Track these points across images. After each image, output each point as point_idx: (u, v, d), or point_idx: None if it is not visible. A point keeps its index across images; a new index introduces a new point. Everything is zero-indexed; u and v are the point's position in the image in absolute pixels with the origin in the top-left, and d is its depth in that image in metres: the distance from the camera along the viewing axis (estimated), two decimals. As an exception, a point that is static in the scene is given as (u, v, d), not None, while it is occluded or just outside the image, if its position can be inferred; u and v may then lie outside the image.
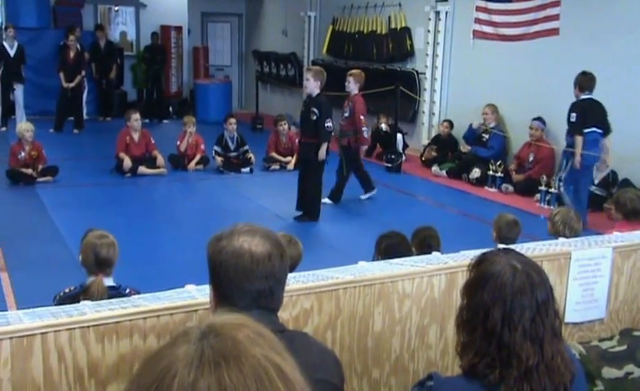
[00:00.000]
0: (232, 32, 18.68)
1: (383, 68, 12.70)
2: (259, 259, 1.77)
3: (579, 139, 7.55)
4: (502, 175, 9.46)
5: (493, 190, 9.41)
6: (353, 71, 8.97)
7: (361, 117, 8.40)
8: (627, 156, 8.13)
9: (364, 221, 7.77)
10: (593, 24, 8.76)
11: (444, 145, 10.85)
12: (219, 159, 10.20)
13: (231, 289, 1.77)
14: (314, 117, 7.51)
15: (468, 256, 2.57)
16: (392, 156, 10.74)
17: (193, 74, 17.02)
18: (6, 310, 3.17)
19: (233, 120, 10.52)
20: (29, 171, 8.90)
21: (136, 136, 9.95)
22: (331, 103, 8.11)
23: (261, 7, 17.43)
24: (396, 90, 10.95)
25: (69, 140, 12.47)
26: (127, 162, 9.62)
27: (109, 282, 3.46)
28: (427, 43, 11.63)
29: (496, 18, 10.32)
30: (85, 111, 13.82)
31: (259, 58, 17.17)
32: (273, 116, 12.29)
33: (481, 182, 9.67)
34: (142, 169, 9.74)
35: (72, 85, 13.02)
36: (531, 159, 9.36)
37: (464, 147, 10.49)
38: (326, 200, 8.20)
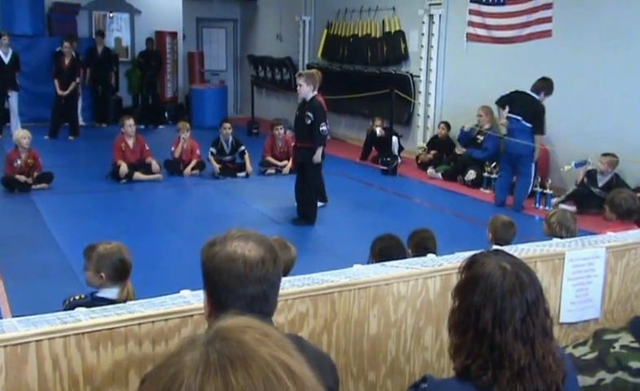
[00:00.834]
0: (227, 37, 18.70)
1: (378, 71, 12.72)
2: (252, 264, 1.77)
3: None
4: (497, 176, 9.46)
5: (489, 191, 9.42)
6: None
7: None
8: (626, 158, 8.16)
9: (359, 224, 7.77)
10: (586, 26, 8.80)
11: (441, 147, 10.87)
12: (215, 163, 10.19)
13: (225, 294, 1.77)
14: (309, 121, 7.52)
15: (463, 257, 2.57)
16: (388, 159, 10.76)
17: (188, 79, 17.02)
18: (1, 318, 3.16)
19: (228, 125, 10.54)
20: (23, 178, 8.88)
21: (131, 142, 9.94)
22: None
23: (256, 12, 17.45)
24: (391, 93, 10.97)
25: (64, 147, 12.45)
26: (123, 168, 9.61)
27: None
28: (422, 46, 11.66)
29: (489, 21, 10.36)
30: (80, 117, 13.81)
31: (254, 62, 17.19)
32: (269, 120, 12.30)
33: (476, 183, 9.68)
34: (138, 175, 9.74)
35: (66, 92, 13.02)
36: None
37: (459, 149, 10.50)
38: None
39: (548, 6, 9.34)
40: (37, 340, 2.01)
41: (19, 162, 9.00)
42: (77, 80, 13.33)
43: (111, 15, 16.23)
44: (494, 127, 10.12)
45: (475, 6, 10.59)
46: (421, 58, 11.68)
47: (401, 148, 11.39)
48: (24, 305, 4.40)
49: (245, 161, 10.37)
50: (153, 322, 2.16)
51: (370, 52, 12.97)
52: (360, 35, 13.24)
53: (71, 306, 3.28)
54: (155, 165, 9.94)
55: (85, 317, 2.11)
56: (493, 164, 9.51)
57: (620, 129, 8.34)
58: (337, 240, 7.17)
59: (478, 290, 1.77)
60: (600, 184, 8.25)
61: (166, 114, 15.76)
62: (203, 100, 15.50)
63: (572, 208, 7.70)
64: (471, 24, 10.70)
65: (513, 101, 8.60)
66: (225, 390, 0.91)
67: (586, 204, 8.11)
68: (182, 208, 8.87)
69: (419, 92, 11.83)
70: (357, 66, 13.38)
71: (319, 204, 8.09)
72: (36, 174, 9.06)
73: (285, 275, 2.43)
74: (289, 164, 10.24)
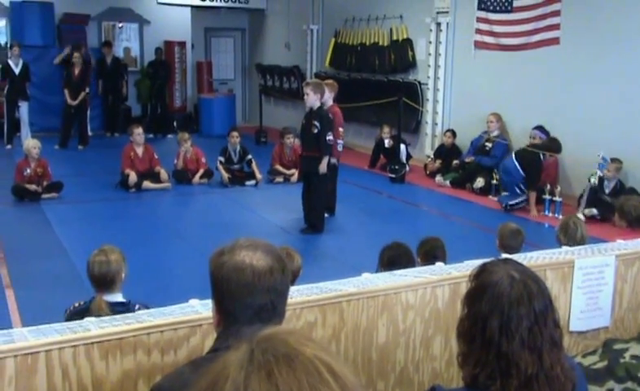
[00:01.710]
0: (235, 46, 18.77)
1: (386, 79, 12.73)
2: (260, 273, 1.77)
3: None
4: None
5: (497, 199, 9.39)
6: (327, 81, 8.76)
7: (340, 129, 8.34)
8: (631, 164, 8.12)
9: (368, 232, 7.77)
10: (594, 33, 8.78)
11: (447, 155, 10.86)
12: (224, 172, 10.21)
13: (233, 304, 1.77)
14: (315, 130, 7.51)
15: (472, 266, 2.57)
16: (396, 167, 10.75)
17: (197, 88, 17.09)
18: (11, 327, 3.18)
19: (235, 134, 10.57)
20: (34, 188, 8.93)
21: (140, 151, 9.99)
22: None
23: (264, 21, 17.51)
24: (399, 101, 10.97)
25: (74, 156, 12.52)
26: (132, 177, 9.65)
27: (117, 298, 3.45)
28: (429, 54, 11.66)
29: (497, 28, 10.35)
30: (89, 127, 13.88)
31: (262, 71, 17.24)
32: (277, 128, 12.33)
33: (485, 191, 9.66)
34: (147, 184, 9.77)
35: (76, 102, 13.10)
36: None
37: (467, 157, 10.48)
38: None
39: (556, 14, 9.33)
40: (46, 350, 2.01)
41: (28, 171, 9.05)
42: (87, 89, 13.41)
43: (120, 25, 16.34)
44: (502, 134, 10.11)
45: (482, 14, 10.59)
46: (429, 66, 11.69)
47: (409, 156, 11.39)
48: (33, 314, 4.42)
49: (253, 170, 10.39)
50: (162, 331, 2.16)
51: (377, 60, 12.99)
52: (367, 43, 13.26)
53: (70, 314, 3.30)
54: (163, 174, 9.97)
55: (94, 326, 2.12)
56: (502, 172, 9.49)
57: (627, 134, 8.31)
58: (345, 249, 7.17)
59: (485, 298, 1.76)
60: (607, 190, 8.21)
61: (175, 123, 15.81)
62: (212, 109, 15.55)
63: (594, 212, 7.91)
64: (478, 31, 10.70)
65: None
66: (269, 384, 0.94)
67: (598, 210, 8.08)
68: (191, 217, 8.90)
69: (427, 100, 11.82)
70: (364, 74, 13.40)
71: (326, 215, 8.08)
72: (45, 183, 9.11)
73: (291, 284, 2.43)
74: (297, 172, 10.25)
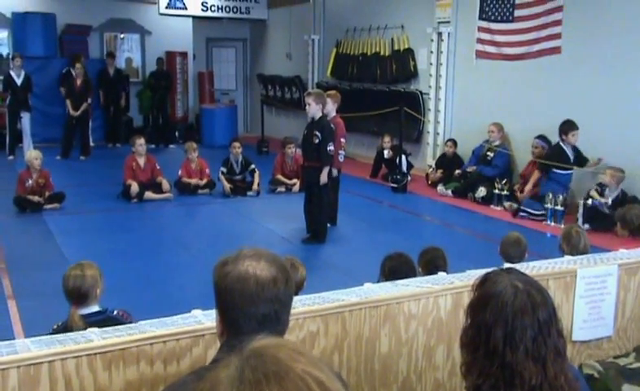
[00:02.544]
0: (237, 56, 18.82)
1: (387, 89, 12.76)
2: (264, 283, 1.77)
3: None
4: (508, 193, 9.45)
5: (499, 208, 9.39)
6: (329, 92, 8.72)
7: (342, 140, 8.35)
8: (633, 173, 8.12)
9: (370, 242, 7.76)
10: (595, 42, 8.79)
11: (449, 164, 10.86)
12: (226, 183, 10.22)
13: (237, 314, 1.77)
14: (317, 140, 7.52)
15: (474, 275, 2.57)
16: (398, 177, 10.76)
17: (198, 99, 17.13)
18: (14, 338, 3.18)
19: (237, 144, 10.59)
20: (36, 198, 8.94)
21: (142, 161, 10.01)
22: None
23: (265, 32, 17.57)
24: (401, 110, 10.98)
25: (76, 167, 12.55)
26: (134, 188, 9.66)
27: (93, 309, 3.47)
28: (431, 64, 11.69)
29: (498, 38, 10.37)
30: (91, 138, 13.91)
31: (264, 81, 17.28)
32: (279, 138, 12.34)
33: (487, 200, 9.65)
34: (149, 195, 9.78)
35: (77, 113, 13.13)
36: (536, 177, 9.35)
37: (470, 167, 10.47)
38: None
39: (557, 23, 9.35)
40: (49, 361, 2.01)
41: (30, 182, 9.06)
42: (89, 100, 13.44)
43: (122, 36, 16.40)
44: (504, 144, 10.12)
45: (484, 24, 10.61)
46: (430, 75, 11.71)
47: (410, 166, 11.39)
48: (36, 325, 4.41)
49: (254, 179, 10.40)
50: (165, 341, 2.16)
51: (379, 70, 13.02)
52: (369, 53, 13.30)
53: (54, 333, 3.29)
54: (165, 185, 9.98)
55: (97, 337, 2.12)
56: (504, 181, 9.48)
57: (629, 144, 8.31)
58: (347, 259, 7.16)
59: (489, 308, 1.76)
60: (609, 202, 8.18)
61: (176, 133, 15.87)
62: (213, 119, 15.58)
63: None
64: (479, 41, 10.72)
65: None
66: None
67: (596, 222, 8.03)
68: (193, 228, 8.90)
69: (429, 109, 11.84)
70: (366, 84, 13.43)
71: (327, 225, 8.07)
72: (47, 194, 9.12)
73: (295, 295, 2.43)
74: (298, 182, 10.28)
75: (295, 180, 10.51)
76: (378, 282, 3.47)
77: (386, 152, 11.56)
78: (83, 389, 2.06)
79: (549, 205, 8.60)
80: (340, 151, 8.24)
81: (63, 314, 3.54)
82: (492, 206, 9.52)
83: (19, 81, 12.78)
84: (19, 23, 14.63)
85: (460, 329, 1.89)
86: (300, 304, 2.45)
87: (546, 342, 1.74)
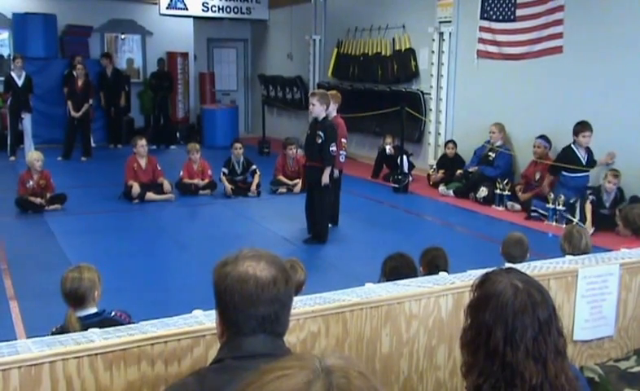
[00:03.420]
0: (238, 57, 18.83)
1: (389, 89, 12.76)
2: (264, 284, 1.77)
3: None
4: (510, 193, 9.44)
5: (501, 208, 9.39)
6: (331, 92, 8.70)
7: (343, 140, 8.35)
8: (633, 172, 8.11)
9: (371, 242, 7.76)
10: (597, 41, 8.79)
11: (450, 165, 10.86)
12: (227, 183, 10.23)
13: (236, 314, 1.77)
14: (319, 141, 7.52)
15: (475, 275, 2.57)
16: (399, 177, 10.75)
17: (200, 100, 17.14)
18: (16, 339, 3.18)
19: (239, 145, 10.60)
20: (38, 200, 8.94)
21: (143, 162, 10.01)
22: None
23: (266, 32, 17.57)
24: (402, 110, 10.98)
25: (77, 168, 12.56)
26: (136, 188, 9.67)
27: (90, 311, 3.48)
28: (432, 64, 11.68)
29: (500, 37, 10.37)
30: (92, 139, 13.92)
31: (265, 82, 17.29)
32: (280, 139, 12.35)
33: (488, 201, 9.65)
34: (150, 195, 9.79)
35: (79, 114, 13.14)
36: (537, 177, 9.35)
37: (472, 168, 10.47)
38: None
39: (559, 23, 9.35)
40: (50, 362, 2.01)
41: (31, 183, 9.07)
42: (90, 101, 13.45)
43: (122, 36, 16.42)
44: (506, 144, 10.11)
45: (485, 23, 10.61)
46: (431, 75, 11.71)
47: (411, 166, 11.39)
48: (38, 325, 4.42)
49: (254, 180, 10.40)
50: (166, 342, 2.16)
51: (380, 70, 13.02)
52: (370, 53, 13.30)
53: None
54: (166, 185, 9.99)
55: (98, 338, 2.12)
56: (505, 181, 9.48)
57: (630, 143, 8.31)
58: (348, 259, 7.16)
59: (489, 308, 1.76)
60: (607, 204, 8.15)
61: (178, 134, 15.88)
62: (215, 120, 15.59)
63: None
64: (481, 40, 10.72)
65: None
66: None
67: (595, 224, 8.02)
68: (194, 228, 8.90)
69: (430, 109, 11.84)
70: (367, 84, 13.43)
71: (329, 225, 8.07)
72: (49, 195, 9.12)
73: (294, 296, 2.43)
74: (300, 183, 10.28)
75: (297, 180, 10.52)
76: (379, 282, 3.47)
77: (387, 148, 11.55)
78: (84, 390, 2.06)
79: (550, 205, 8.60)
80: (341, 152, 8.24)
81: (64, 315, 3.55)
82: (493, 206, 9.52)
83: (20, 82, 12.79)
84: (19, 23, 14.64)
85: (461, 329, 1.89)
86: (301, 304, 2.45)
87: (547, 341, 1.74)
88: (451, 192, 10.28)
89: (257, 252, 1.85)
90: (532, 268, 2.99)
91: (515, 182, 9.80)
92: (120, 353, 2.10)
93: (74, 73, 13.50)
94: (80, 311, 3.43)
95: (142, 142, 10.10)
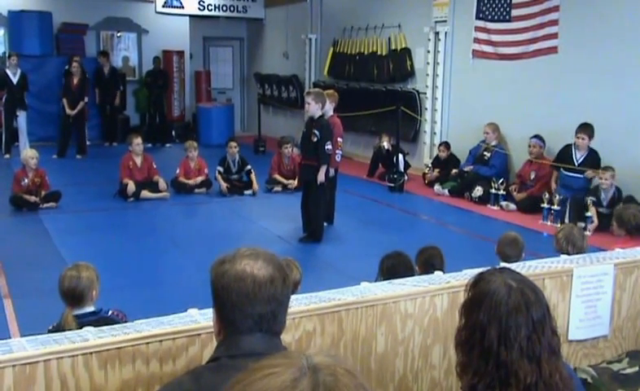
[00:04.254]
0: (234, 55, 18.81)
1: (384, 88, 12.76)
2: (261, 283, 1.77)
3: None
4: (505, 193, 9.46)
5: (496, 208, 9.41)
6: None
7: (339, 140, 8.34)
8: (629, 172, 8.13)
9: (366, 241, 7.77)
10: (592, 42, 8.81)
11: (445, 165, 10.87)
12: (222, 182, 10.22)
13: (234, 313, 1.77)
14: (315, 139, 7.53)
15: (471, 275, 2.57)
16: (395, 176, 10.76)
17: (195, 98, 17.11)
18: (10, 337, 3.17)
19: (234, 144, 10.59)
20: (32, 198, 8.92)
21: (138, 160, 10.00)
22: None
23: (262, 31, 17.56)
24: (397, 110, 10.99)
25: (72, 166, 12.53)
26: (131, 186, 9.65)
27: (89, 309, 3.48)
28: (428, 63, 11.69)
29: (495, 37, 10.38)
30: (87, 136, 13.89)
31: (261, 80, 17.27)
32: (276, 138, 12.34)
33: (484, 200, 9.66)
34: (145, 194, 9.77)
35: (74, 112, 13.11)
36: (532, 176, 9.37)
37: (467, 167, 10.48)
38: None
39: (554, 23, 9.36)
40: (45, 360, 2.00)
41: (26, 181, 9.04)
42: (85, 99, 13.42)
43: (118, 34, 16.38)
44: (501, 144, 10.12)
45: (481, 23, 10.63)
46: (427, 75, 11.71)
47: (407, 165, 11.39)
48: (32, 324, 4.41)
49: (252, 180, 10.40)
50: (161, 341, 2.16)
51: (376, 69, 13.02)
52: (366, 52, 13.30)
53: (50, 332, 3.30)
54: (162, 184, 9.97)
55: (92, 336, 2.11)
56: (500, 181, 9.49)
57: (625, 143, 8.33)
58: (344, 258, 7.16)
59: (483, 308, 1.77)
60: (605, 203, 8.17)
61: (173, 133, 15.85)
62: (210, 118, 15.57)
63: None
64: (476, 40, 10.73)
65: None
66: None
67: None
68: (189, 227, 8.89)
69: (425, 109, 11.85)
70: (363, 83, 13.43)
71: (324, 224, 8.07)
72: (43, 193, 9.10)
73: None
74: (295, 181, 10.27)
75: (292, 181, 10.49)
76: (376, 281, 3.47)
77: (386, 145, 11.53)
78: (79, 389, 2.06)
79: (545, 204, 8.62)
80: (338, 151, 8.24)
81: (59, 313, 3.54)
82: (488, 205, 9.53)
83: (15, 80, 12.75)
84: (15, 21, 14.60)
85: (455, 329, 1.89)
86: (297, 303, 2.45)
87: (541, 340, 1.74)
88: (446, 191, 10.29)
89: (255, 250, 1.84)
90: (527, 267, 2.99)
91: (510, 181, 9.81)
92: (115, 352, 2.10)
93: (70, 71, 13.45)
94: (77, 310, 3.42)
95: (138, 140, 10.08)
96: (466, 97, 11.03)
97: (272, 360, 1.12)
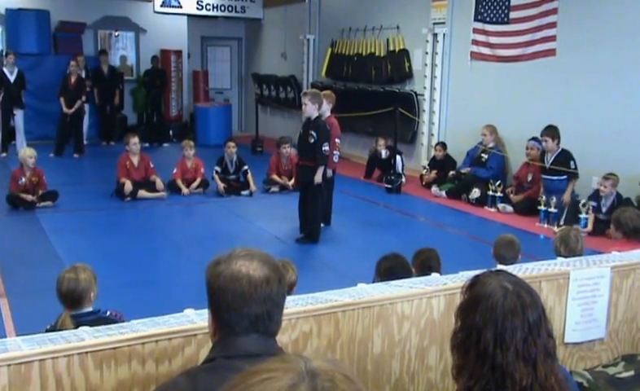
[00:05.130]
0: (232, 55, 18.81)
1: (382, 89, 12.76)
2: (257, 283, 1.77)
3: None
4: (502, 195, 9.47)
5: (493, 210, 9.41)
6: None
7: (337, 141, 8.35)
8: (626, 175, 8.14)
9: (363, 242, 7.77)
10: (590, 45, 8.82)
11: (442, 166, 10.87)
12: (220, 182, 10.21)
13: (229, 313, 1.77)
14: (312, 140, 7.53)
15: (467, 277, 2.57)
16: (392, 178, 10.76)
17: (193, 98, 17.10)
18: (5, 337, 3.16)
19: (232, 144, 10.58)
20: (29, 197, 8.90)
21: (135, 160, 9.98)
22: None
23: (261, 31, 17.55)
24: (395, 111, 10.99)
25: (69, 165, 12.51)
26: (128, 186, 9.64)
27: (87, 309, 3.48)
28: (426, 65, 11.70)
29: (493, 39, 10.39)
30: (85, 135, 13.87)
31: (258, 81, 17.27)
32: (274, 138, 12.34)
33: (481, 202, 9.67)
34: (142, 193, 9.76)
35: (71, 111, 13.09)
36: (529, 179, 9.38)
37: (464, 169, 10.48)
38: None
39: (552, 26, 9.38)
40: (40, 360, 2.00)
41: (23, 180, 9.03)
42: (83, 98, 13.40)
43: (116, 33, 16.36)
44: (498, 146, 10.13)
45: (479, 25, 10.64)
46: (425, 76, 11.72)
47: (403, 166, 11.38)
48: (27, 323, 4.40)
49: (249, 180, 10.39)
50: (157, 341, 2.16)
51: (374, 70, 13.02)
52: (364, 54, 13.30)
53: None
54: (159, 183, 9.96)
55: (88, 336, 2.11)
56: (498, 183, 9.50)
57: (622, 147, 8.34)
58: (341, 259, 7.16)
59: (479, 310, 1.77)
60: (604, 209, 8.16)
61: (171, 132, 15.83)
62: (208, 118, 15.55)
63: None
64: (475, 42, 10.74)
65: None
66: None
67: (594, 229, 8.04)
68: (186, 227, 8.88)
69: (423, 110, 11.85)
70: (361, 84, 13.43)
71: (322, 225, 8.06)
72: (40, 192, 9.08)
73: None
74: (292, 182, 10.26)
75: (289, 182, 10.47)
76: (373, 282, 3.47)
77: (384, 152, 11.54)
78: (74, 388, 2.05)
79: (542, 207, 8.63)
80: (335, 152, 8.24)
81: (55, 313, 3.53)
82: (486, 207, 9.54)
83: (12, 78, 12.74)
84: (12, 19, 14.57)
85: (451, 332, 1.89)
86: (293, 304, 2.44)
87: (536, 343, 1.74)
88: (444, 193, 10.30)
89: (250, 251, 1.84)
90: (523, 270, 2.99)
91: (507, 183, 9.82)
92: (111, 352, 2.09)
93: (68, 70, 13.42)
94: (75, 311, 3.43)
95: (135, 139, 10.07)
96: (464, 99, 11.04)
97: (269, 364, 1.11)
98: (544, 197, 8.69)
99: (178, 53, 16.72)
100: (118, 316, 3.51)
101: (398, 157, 11.07)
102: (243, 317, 1.77)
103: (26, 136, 12.99)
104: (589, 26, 8.87)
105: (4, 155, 12.80)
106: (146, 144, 13.75)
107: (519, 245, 4.62)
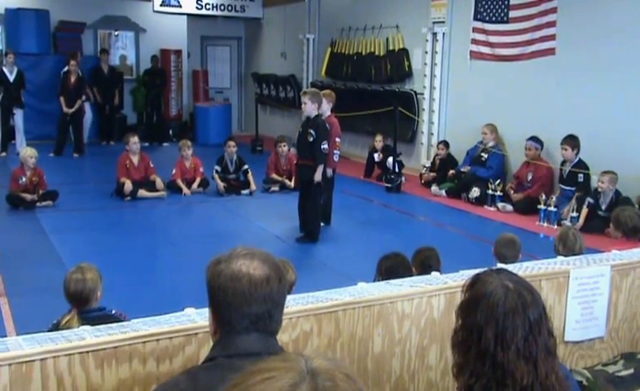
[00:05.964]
0: (231, 55, 18.80)
1: (382, 89, 12.77)
2: (257, 282, 1.77)
3: None
4: (502, 194, 9.47)
5: (493, 209, 9.41)
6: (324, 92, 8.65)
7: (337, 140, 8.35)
8: (626, 174, 8.14)
9: (364, 241, 7.77)
10: (590, 43, 8.82)
11: (443, 165, 10.87)
12: (220, 181, 10.21)
13: (230, 312, 1.77)
14: (311, 139, 7.53)
15: (467, 276, 2.57)
16: (392, 177, 10.76)
17: (193, 97, 17.10)
18: (6, 336, 3.16)
19: (232, 143, 10.59)
20: (29, 197, 8.90)
21: (135, 160, 9.98)
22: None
23: (260, 30, 17.55)
24: (395, 110, 10.99)
25: (69, 164, 12.51)
26: (128, 186, 9.64)
27: (94, 306, 3.51)
28: (425, 64, 11.70)
29: (493, 38, 10.39)
30: (86, 135, 13.87)
31: (258, 80, 17.26)
32: (273, 137, 12.34)
33: (481, 201, 9.67)
34: (142, 193, 9.76)
35: (71, 110, 13.09)
36: (529, 178, 9.38)
37: (464, 168, 10.48)
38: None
39: (552, 25, 9.38)
40: (41, 359, 2.00)
41: (24, 179, 9.03)
42: (83, 97, 13.40)
43: (116, 33, 16.37)
44: (498, 145, 10.13)
45: (478, 24, 10.63)
46: (425, 75, 11.72)
47: (401, 166, 11.36)
48: (28, 323, 4.40)
49: (249, 179, 10.39)
50: (158, 340, 2.16)
51: (373, 70, 13.02)
52: (364, 53, 13.30)
53: (51, 329, 3.31)
54: (159, 183, 9.96)
55: (89, 335, 2.11)
56: (497, 182, 9.50)
57: (622, 145, 8.34)
58: (341, 258, 7.16)
59: (480, 309, 1.77)
60: (604, 206, 8.16)
61: (170, 132, 15.83)
62: (208, 118, 15.55)
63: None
64: (474, 41, 10.74)
65: None
66: None
67: (591, 226, 8.02)
68: (186, 226, 8.88)
69: (423, 109, 11.85)
70: (360, 84, 13.44)
71: (321, 224, 8.06)
72: (41, 192, 9.08)
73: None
74: (292, 180, 10.26)
75: (288, 182, 10.47)
76: (374, 281, 3.47)
77: (376, 156, 11.56)
78: (75, 388, 2.05)
79: (542, 206, 8.63)
80: (335, 151, 8.24)
81: (56, 312, 3.54)
82: (485, 206, 9.54)
83: (11, 78, 12.75)
84: (12, 19, 14.56)
85: (452, 330, 1.90)
86: (294, 303, 2.45)
87: (537, 341, 1.74)
88: (443, 192, 10.30)
89: (251, 250, 1.84)
90: (523, 268, 3.00)
91: (507, 182, 9.82)
92: (112, 351, 2.09)
93: (68, 69, 13.42)
94: (82, 309, 3.46)
95: (135, 139, 10.07)
96: (464, 98, 11.04)
97: (270, 363, 1.11)
98: (544, 196, 8.68)
99: (178, 52, 16.72)
100: (123, 315, 3.52)
101: (390, 159, 11.04)
102: (244, 316, 1.77)
103: (25, 135, 13.00)
104: (588, 25, 8.87)
105: (3, 154, 12.80)
106: (146, 144, 13.75)
107: (520, 244, 4.63)
